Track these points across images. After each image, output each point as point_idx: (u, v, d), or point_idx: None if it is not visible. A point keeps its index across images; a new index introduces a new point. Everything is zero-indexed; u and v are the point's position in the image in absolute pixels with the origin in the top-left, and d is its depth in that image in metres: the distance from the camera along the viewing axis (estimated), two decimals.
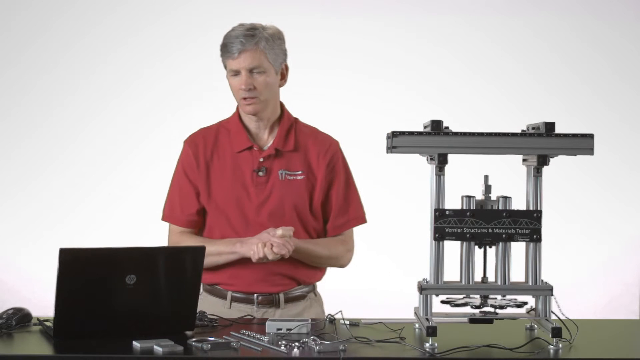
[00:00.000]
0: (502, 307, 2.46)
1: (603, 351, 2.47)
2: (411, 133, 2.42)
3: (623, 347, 2.55)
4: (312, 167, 2.93)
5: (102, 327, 2.38)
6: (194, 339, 2.32)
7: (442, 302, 2.49)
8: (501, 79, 5.40)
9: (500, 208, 2.46)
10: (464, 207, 2.46)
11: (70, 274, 2.31)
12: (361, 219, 3.01)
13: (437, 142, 2.41)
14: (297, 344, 2.29)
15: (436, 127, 2.43)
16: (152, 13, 5.36)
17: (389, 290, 4.75)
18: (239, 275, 2.86)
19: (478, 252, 2.46)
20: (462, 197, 2.47)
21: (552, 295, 2.45)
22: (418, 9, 5.40)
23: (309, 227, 2.93)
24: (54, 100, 5.35)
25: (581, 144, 2.43)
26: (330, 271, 3.06)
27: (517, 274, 2.48)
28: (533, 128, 2.52)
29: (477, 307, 2.47)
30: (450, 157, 2.42)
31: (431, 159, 2.44)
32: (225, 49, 2.84)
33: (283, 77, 2.93)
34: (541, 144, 2.43)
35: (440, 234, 2.42)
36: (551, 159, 2.45)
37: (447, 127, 2.44)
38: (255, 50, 2.82)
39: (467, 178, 2.89)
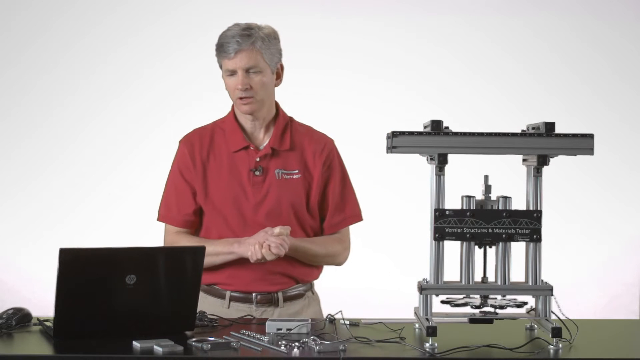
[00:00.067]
0: (502, 307, 2.46)
1: (603, 351, 2.47)
2: (411, 133, 2.42)
3: (623, 347, 2.55)
4: (309, 165, 2.93)
5: (102, 327, 2.38)
6: (194, 339, 2.32)
7: (442, 302, 2.49)
8: (501, 79, 5.40)
9: (500, 208, 2.46)
10: (464, 207, 2.46)
11: (70, 274, 2.31)
12: (357, 217, 3.01)
13: (437, 142, 2.41)
14: (297, 344, 2.29)
15: (436, 127, 2.43)
16: (152, 13, 5.36)
17: (389, 290, 4.75)
18: (237, 275, 2.87)
19: (478, 252, 2.46)
20: (462, 197, 2.47)
21: (552, 295, 2.45)
22: (418, 9, 5.40)
23: (306, 225, 2.93)
24: (54, 100, 5.35)
25: (581, 144, 2.43)
26: (331, 271, 3.06)
27: (517, 274, 2.48)
28: (533, 128, 2.52)
29: (477, 307, 2.47)
30: (450, 157, 2.42)
31: (431, 159, 2.44)
32: (222, 48, 2.84)
33: (279, 76, 2.93)
34: (541, 144, 2.43)
35: (440, 234, 2.42)
36: (551, 159, 2.45)
37: (447, 127, 2.44)
38: (252, 50, 2.82)
39: (467, 178, 2.89)
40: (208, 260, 2.78)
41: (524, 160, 2.54)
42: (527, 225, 2.43)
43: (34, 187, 5.31)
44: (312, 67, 5.16)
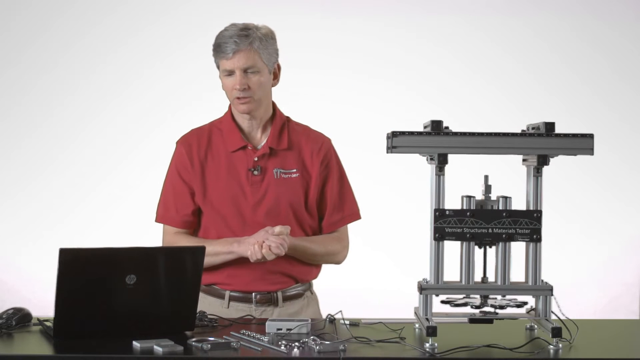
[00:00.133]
0: (502, 307, 2.46)
1: (603, 351, 2.47)
2: (411, 133, 2.42)
3: (623, 347, 2.55)
4: (306, 164, 2.94)
5: (102, 327, 2.38)
6: (194, 339, 2.32)
7: (442, 302, 2.49)
8: (501, 79, 5.40)
9: (500, 208, 2.46)
10: (464, 207, 2.46)
11: (70, 274, 2.31)
12: (356, 215, 3.02)
13: (437, 142, 2.41)
14: (297, 344, 2.29)
15: (436, 127, 2.43)
16: (152, 13, 5.36)
17: (389, 290, 4.75)
18: (237, 275, 2.87)
19: (478, 252, 2.46)
20: (462, 197, 2.47)
21: (552, 295, 2.45)
22: (418, 9, 5.40)
23: (305, 224, 2.93)
24: (54, 100, 5.35)
25: (581, 144, 2.43)
26: (330, 271, 3.06)
27: (517, 274, 2.48)
28: (533, 128, 2.52)
29: (477, 307, 2.47)
30: (450, 157, 2.42)
31: (431, 159, 2.44)
32: (219, 49, 2.84)
33: (276, 76, 2.93)
34: (541, 144, 2.43)
35: (440, 234, 2.42)
36: (551, 159, 2.45)
37: (447, 127, 2.44)
38: (250, 50, 2.82)
39: (467, 178, 2.89)
40: (208, 261, 2.78)
41: (524, 160, 2.54)
42: (527, 225, 2.43)
43: (34, 187, 5.31)
44: (312, 67, 5.16)
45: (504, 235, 2.43)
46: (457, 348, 2.29)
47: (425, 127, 2.50)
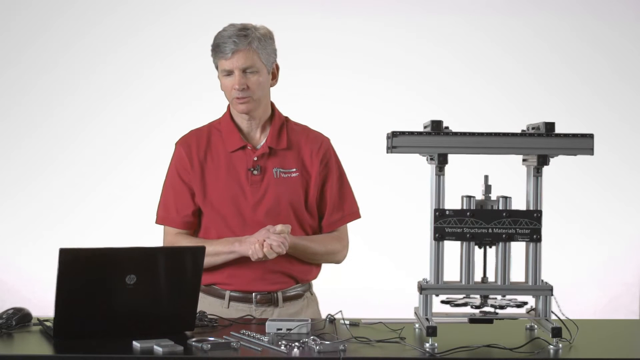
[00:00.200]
0: (502, 307, 2.46)
1: (603, 351, 2.47)
2: (411, 133, 2.42)
3: (623, 347, 2.55)
4: (306, 164, 2.94)
5: (102, 327, 2.38)
6: (194, 339, 2.32)
7: (442, 302, 2.49)
8: (501, 79, 5.40)
9: (500, 208, 2.46)
10: (464, 207, 2.46)
11: (70, 274, 2.31)
12: (356, 215, 3.02)
13: (437, 142, 2.41)
14: (297, 344, 2.29)
15: (436, 127, 2.43)
16: (152, 13, 5.36)
17: (389, 290, 4.75)
18: (237, 275, 2.87)
19: (478, 252, 2.46)
20: (462, 197, 2.47)
21: (552, 295, 2.45)
22: (418, 9, 5.40)
23: (305, 224, 2.93)
24: (54, 100, 5.35)
25: (581, 144, 2.43)
26: (330, 271, 3.06)
27: (517, 274, 2.48)
28: (533, 128, 2.52)
29: (477, 307, 2.47)
30: (450, 157, 2.42)
31: (431, 159, 2.44)
32: (218, 49, 2.84)
33: (274, 76, 2.94)
34: (541, 144, 2.43)
35: (440, 234, 2.42)
36: (551, 159, 2.45)
37: (447, 127, 2.44)
38: (249, 50, 2.82)
39: (467, 178, 2.89)
40: (209, 261, 2.79)
41: (524, 160, 2.54)
42: (527, 225, 2.43)
43: (34, 187, 5.31)
44: (312, 67, 5.17)
45: (504, 235, 2.43)
46: (457, 348, 2.29)
47: (425, 127, 2.50)
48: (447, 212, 2.42)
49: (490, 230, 2.43)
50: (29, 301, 3.06)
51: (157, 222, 2.98)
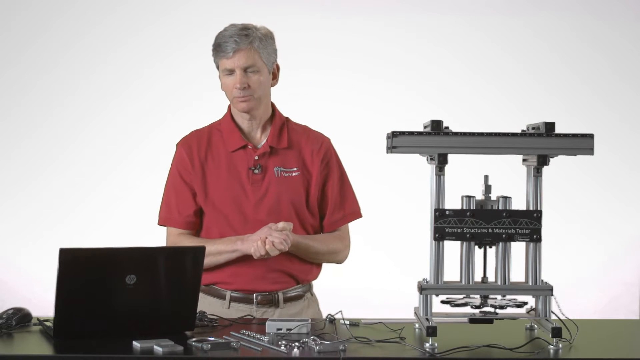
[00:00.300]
0: (502, 307, 2.46)
1: (603, 351, 2.47)
2: (411, 133, 2.42)
3: (623, 347, 2.55)
4: (307, 163, 2.94)
5: (102, 327, 2.38)
6: (194, 339, 2.32)
7: (442, 302, 2.49)
8: (501, 79, 5.40)
9: (500, 208, 2.46)
10: (464, 207, 2.46)
11: (70, 274, 2.31)
12: (357, 214, 3.02)
13: (437, 142, 2.41)
14: (297, 344, 2.29)
15: (436, 127, 2.43)
16: (152, 13, 5.36)
17: (389, 290, 4.75)
18: (239, 273, 2.87)
19: (478, 252, 2.46)
20: (462, 197, 2.47)
21: (552, 295, 2.45)
22: (418, 9, 5.40)
23: (306, 223, 2.93)
24: (54, 100, 5.35)
25: (581, 144, 2.43)
26: (330, 271, 3.06)
27: (517, 274, 2.48)
28: (533, 128, 2.52)
29: (477, 307, 2.47)
30: (450, 157, 2.42)
31: (431, 159, 2.44)
32: (219, 48, 2.85)
33: (275, 76, 2.95)
34: (541, 144, 2.43)
35: (440, 234, 2.42)
36: (551, 159, 2.45)
37: (447, 127, 2.44)
38: (250, 50, 2.83)
39: (467, 178, 2.89)
40: (211, 260, 2.80)
41: (524, 160, 2.54)
42: (527, 225, 2.43)
43: (34, 187, 5.31)
44: (312, 67, 5.17)
45: (504, 235, 2.43)
46: (457, 348, 2.29)
47: (425, 127, 2.50)
48: (447, 212, 2.42)
49: (490, 230, 2.43)
50: (29, 301, 3.06)
51: (160, 223, 2.98)
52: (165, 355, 2.22)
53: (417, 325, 2.55)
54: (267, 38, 2.87)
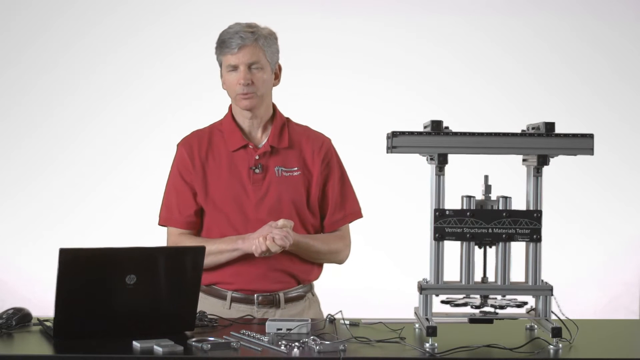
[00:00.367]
0: (502, 307, 2.46)
1: (603, 351, 2.47)
2: (411, 133, 2.42)
3: (623, 347, 2.55)
4: (307, 163, 2.94)
5: (102, 327, 2.38)
6: (194, 339, 2.32)
7: (442, 302, 2.49)
8: (501, 79, 5.40)
9: (500, 208, 2.46)
10: (464, 207, 2.45)
11: (70, 274, 2.31)
12: (357, 214, 3.02)
13: (437, 142, 2.41)
14: (297, 344, 2.28)
15: (436, 127, 2.43)
16: (152, 13, 5.36)
17: (389, 290, 4.75)
18: (240, 273, 2.86)
19: (478, 252, 2.46)
20: (462, 197, 2.46)
21: (552, 295, 2.45)
22: (418, 9, 5.40)
23: (307, 223, 2.93)
24: (54, 100, 5.35)
25: (581, 144, 2.43)
26: (330, 271, 3.06)
27: (517, 274, 2.48)
28: (533, 128, 2.52)
29: (477, 307, 2.47)
30: (450, 157, 2.42)
31: (431, 159, 2.44)
32: (224, 44, 2.85)
33: (277, 76, 2.95)
34: (541, 144, 2.43)
35: (440, 234, 2.42)
36: (551, 159, 2.45)
37: (447, 127, 2.44)
38: (255, 46, 2.84)
39: (467, 178, 2.89)
40: (212, 260, 2.80)
41: (524, 160, 2.54)
42: (527, 225, 2.43)
43: (34, 187, 5.31)
44: (312, 67, 5.17)
45: (504, 235, 2.43)
46: (457, 348, 2.29)
47: (425, 127, 2.50)
48: (447, 212, 2.42)
49: (490, 230, 2.43)
50: (29, 301, 3.06)
51: (160, 223, 2.98)
52: (165, 355, 2.22)
53: (417, 325, 2.55)
54: (271, 37, 2.89)
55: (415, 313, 2.55)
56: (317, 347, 2.26)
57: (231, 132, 2.93)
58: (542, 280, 2.47)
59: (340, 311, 2.60)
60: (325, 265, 3.02)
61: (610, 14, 5.41)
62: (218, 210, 2.90)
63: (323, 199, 2.96)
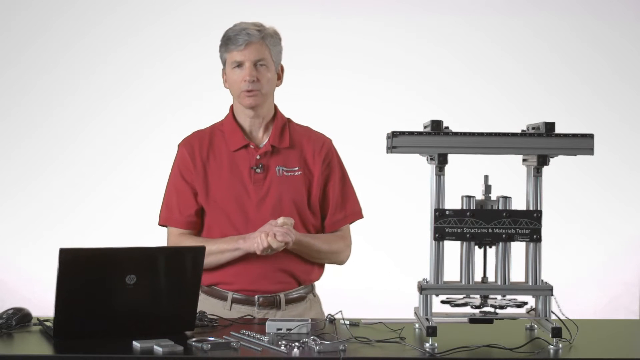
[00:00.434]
0: (502, 307, 2.46)
1: (603, 351, 2.47)
2: (411, 133, 2.42)
3: (623, 347, 2.55)
4: (308, 163, 2.95)
5: (102, 327, 2.38)
6: (194, 339, 2.32)
7: (442, 302, 2.49)
8: (501, 79, 5.40)
9: (500, 208, 2.46)
10: (464, 207, 2.46)
11: (70, 274, 2.31)
12: (358, 215, 3.02)
13: (437, 142, 2.41)
14: (297, 344, 2.28)
15: (436, 127, 2.43)
16: (152, 13, 5.36)
17: (389, 290, 4.75)
18: (241, 273, 2.86)
19: (478, 252, 2.46)
20: (462, 197, 2.46)
21: (552, 295, 2.45)
22: (418, 9, 5.40)
23: (308, 223, 2.93)
24: (54, 100, 5.35)
25: (581, 144, 2.43)
26: (331, 271, 3.06)
27: (517, 274, 2.48)
28: (533, 128, 2.52)
29: (477, 307, 2.47)
30: (450, 157, 2.42)
31: (431, 159, 2.44)
32: (230, 41, 2.86)
33: (279, 77, 2.95)
34: (541, 144, 2.43)
35: (440, 234, 2.42)
36: (551, 159, 2.45)
37: (447, 127, 2.44)
38: (262, 44, 2.86)
39: (467, 178, 2.89)
40: (213, 259, 2.80)
41: (524, 160, 2.54)
42: (527, 225, 2.43)
43: (34, 187, 5.31)
44: (312, 67, 5.17)
45: (504, 235, 2.43)
46: (457, 348, 2.29)
47: (425, 127, 2.50)
48: (447, 212, 2.42)
49: (490, 230, 2.43)
50: (29, 301, 3.06)
51: (160, 223, 2.98)
52: (165, 355, 2.22)
53: (417, 325, 2.55)
54: (276, 37, 2.91)
55: (415, 313, 2.55)
56: (317, 347, 2.26)
57: (232, 132, 2.93)
58: (542, 280, 2.47)
59: (340, 311, 2.60)
60: (326, 266, 3.02)
61: (610, 14, 5.41)
62: (219, 210, 2.89)
63: (324, 199, 2.96)
